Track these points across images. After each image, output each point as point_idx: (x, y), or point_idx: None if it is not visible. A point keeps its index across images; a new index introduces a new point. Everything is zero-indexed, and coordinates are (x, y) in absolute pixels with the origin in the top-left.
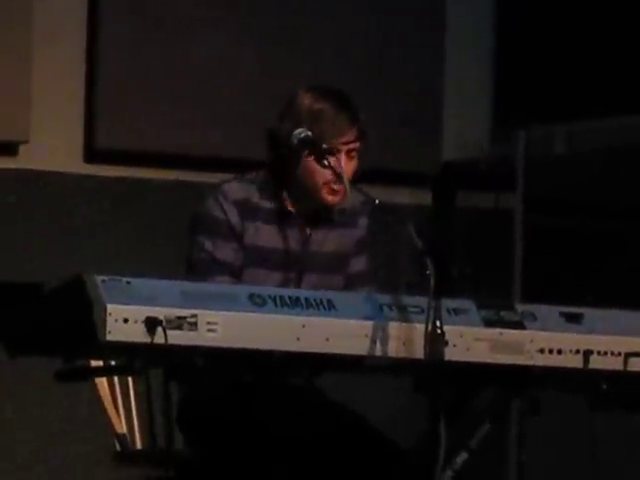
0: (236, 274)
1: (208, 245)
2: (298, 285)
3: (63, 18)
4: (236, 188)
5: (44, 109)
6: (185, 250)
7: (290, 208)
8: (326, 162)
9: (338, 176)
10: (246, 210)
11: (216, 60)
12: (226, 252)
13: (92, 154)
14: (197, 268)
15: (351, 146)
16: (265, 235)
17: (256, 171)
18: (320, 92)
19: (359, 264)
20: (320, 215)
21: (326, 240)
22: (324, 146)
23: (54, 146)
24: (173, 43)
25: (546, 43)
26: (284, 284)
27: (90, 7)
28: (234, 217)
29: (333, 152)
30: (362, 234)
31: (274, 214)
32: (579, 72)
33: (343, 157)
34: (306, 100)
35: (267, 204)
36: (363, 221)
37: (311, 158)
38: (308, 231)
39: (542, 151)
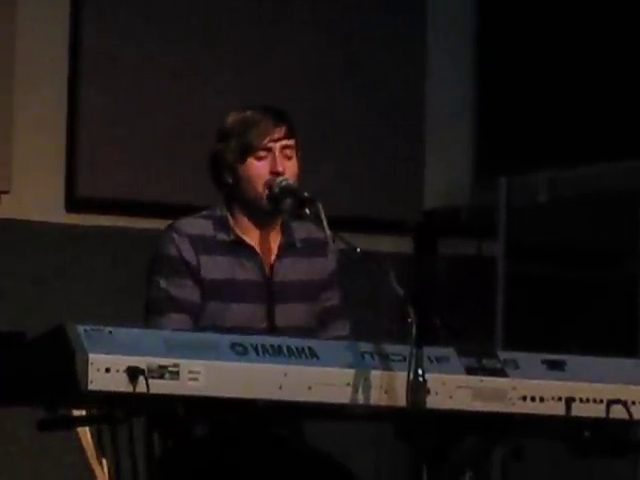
0: (193, 311)
1: (163, 283)
2: (271, 317)
3: (44, 68)
4: (189, 224)
5: (25, 158)
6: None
7: (247, 239)
8: (262, 153)
9: (276, 174)
10: (201, 244)
11: (198, 109)
12: (182, 289)
13: (74, 203)
14: (153, 307)
15: (283, 143)
16: (224, 268)
17: (210, 209)
18: (243, 107)
19: (333, 299)
20: (281, 244)
21: (292, 269)
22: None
23: (36, 195)
24: (154, 92)
25: (528, 91)
26: (252, 316)
27: (71, 57)
28: (188, 252)
29: (266, 150)
30: (334, 267)
31: (231, 246)
32: (561, 120)
33: (278, 155)
34: (231, 117)
35: (223, 237)
36: (332, 253)
37: (248, 162)
38: (270, 261)
39: (524, 199)
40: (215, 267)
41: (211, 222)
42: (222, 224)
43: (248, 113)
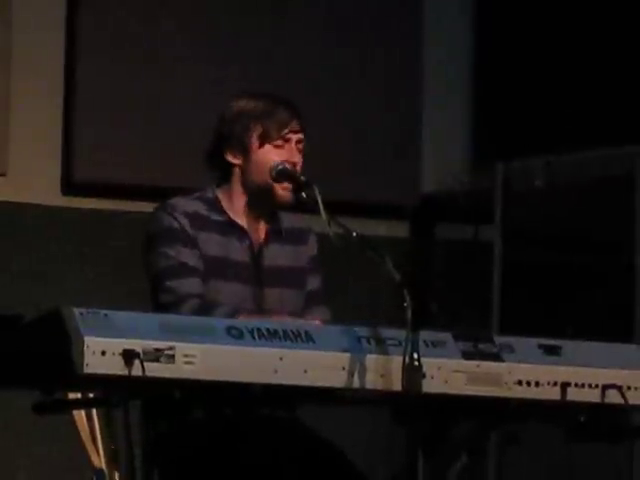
0: (203, 279)
1: (171, 252)
2: (261, 299)
3: (41, 51)
4: (183, 202)
5: (22, 142)
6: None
7: (239, 221)
8: (280, 142)
9: (292, 164)
10: (196, 221)
11: (194, 94)
12: (190, 257)
13: (70, 186)
14: (166, 274)
15: (298, 136)
16: (218, 246)
17: (200, 192)
18: (253, 94)
19: (314, 283)
20: (269, 230)
21: (279, 255)
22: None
23: (32, 178)
24: (151, 76)
25: (524, 77)
26: (241, 296)
27: (68, 42)
28: (188, 227)
29: (284, 140)
30: (314, 252)
31: (223, 226)
32: (558, 105)
33: (294, 146)
34: (246, 101)
35: (216, 217)
36: (313, 239)
37: (265, 148)
38: (259, 245)
39: (521, 184)
40: (211, 244)
41: (202, 203)
42: (214, 205)
43: (265, 100)
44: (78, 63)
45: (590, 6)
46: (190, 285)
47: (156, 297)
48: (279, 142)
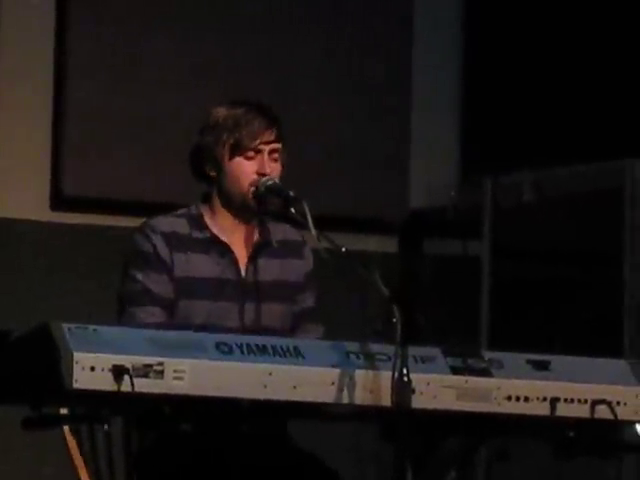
0: (168, 306)
1: (139, 277)
2: (243, 316)
3: (30, 66)
4: (163, 221)
5: (10, 157)
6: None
7: (222, 237)
8: (251, 153)
9: (262, 175)
10: (174, 241)
11: (185, 108)
12: (157, 284)
13: (59, 202)
14: (129, 299)
15: (272, 146)
16: (197, 265)
17: (185, 208)
18: (234, 102)
19: (309, 300)
20: (257, 243)
21: (266, 269)
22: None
23: (20, 194)
24: (140, 91)
25: (513, 92)
26: (224, 315)
27: (57, 55)
28: (162, 249)
29: (255, 151)
30: (310, 268)
31: (205, 244)
32: (546, 120)
33: (266, 157)
34: (222, 111)
35: (198, 235)
36: (308, 253)
37: (236, 160)
38: (244, 260)
39: (509, 199)
40: (188, 265)
41: (185, 220)
42: (197, 222)
43: (240, 110)
44: (67, 78)
45: (577, 22)
46: (150, 314)
47: (118, 318)
48: (250, 153)
